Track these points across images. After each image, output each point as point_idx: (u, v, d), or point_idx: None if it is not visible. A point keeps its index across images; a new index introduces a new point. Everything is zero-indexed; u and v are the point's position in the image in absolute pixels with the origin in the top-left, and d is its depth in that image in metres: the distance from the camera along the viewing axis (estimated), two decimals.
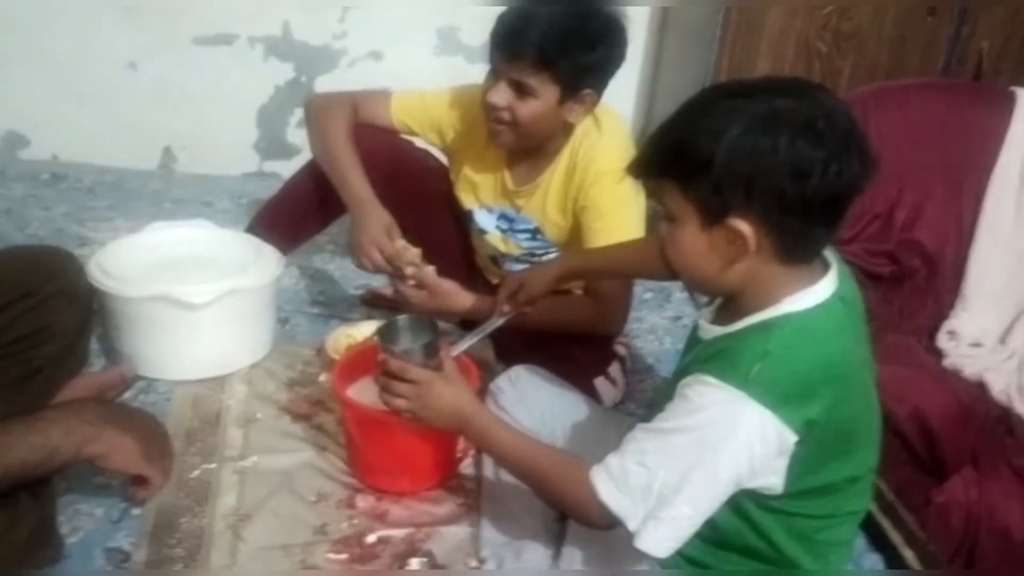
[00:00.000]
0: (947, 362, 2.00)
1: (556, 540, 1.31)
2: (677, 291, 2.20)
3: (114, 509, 1.36)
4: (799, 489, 1.06)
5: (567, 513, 1.25)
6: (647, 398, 1.78)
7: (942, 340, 2.06)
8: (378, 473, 1.44)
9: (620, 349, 1.78)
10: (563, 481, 1.14)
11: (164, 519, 1.35)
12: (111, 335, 1.68)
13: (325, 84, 2.78)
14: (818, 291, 1.05)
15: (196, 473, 1.45)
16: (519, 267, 1.79)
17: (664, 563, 1.11)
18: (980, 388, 1.94)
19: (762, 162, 0.96)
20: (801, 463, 1.03)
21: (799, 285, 1.05)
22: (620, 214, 1.62)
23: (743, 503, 1.08)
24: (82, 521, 1.34)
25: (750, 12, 2.39)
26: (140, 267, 1.67)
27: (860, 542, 1.44)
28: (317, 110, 1.85)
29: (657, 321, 2.11)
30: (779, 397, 0.99)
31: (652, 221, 1.50)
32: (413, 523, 1.38)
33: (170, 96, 2.76)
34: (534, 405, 1.45)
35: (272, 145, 2.89)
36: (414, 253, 1.65)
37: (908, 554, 1.46)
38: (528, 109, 1.59)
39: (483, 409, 1.30)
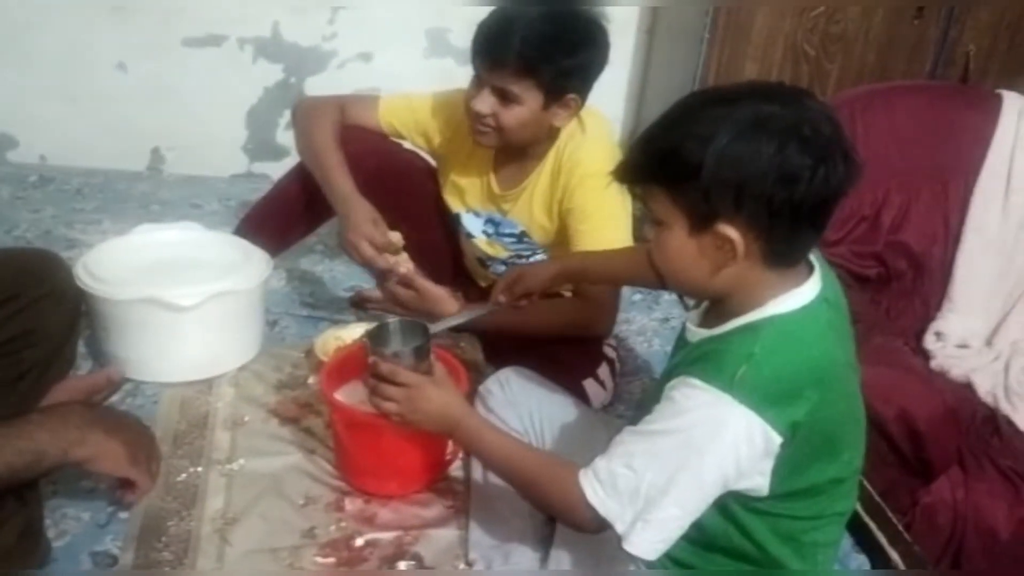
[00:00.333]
0: (934, 363, 2.01)
1: (544, 543, 1.31)
2: (666, 293, 2.20)
3: (101, 513, 1.35)
4: (785, 490, 1.06)
5: (556, 516, 1.25)
6: (636, 400, 1.78)
7: (929, 341, 2.07)
8: (367, 476, 1.44)
9: (609, 351, 1.78)
10: (551, 484, 1.14)
11: (151, 523, 1.34)
12: (99, 337, 1.67)
13: (314, 85, 2.78)
14: (803, 293, 1.06)
15: (183, 476, 1.44)
16: (506, 270, 1.79)
17: (652, 564, 1.11)
18: (967, 389, 1.95)
19: (752, 168, 0.97)
20: (787, 464, 1.04)
21: (784, 288, 1.06)
22: (606, 216, 1.62)
23: (729, 505, 1.08)
24: (69, 525, 1.33)
25: (738, 14, 2.40)
26: (128, 269, 1.66)
27: (846, 543, 1.44)
28: (304, 112, 1.85)
29: (646, 323, 2.11)
30: (764, 399, 1.00)
31: (638, 223, 1.50)
32: (401, 526, 1.38)
33: (159, 97, 2.75)
34: (523, 407, 1.45)
35: (261, 146, 2.89)
36: (398, 237, 1.66)
37: (894, 554, 1.46)
38: (512, 116, 1.59)
39: (472, 413, 1.30)
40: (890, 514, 1.54)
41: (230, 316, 1.68)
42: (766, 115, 0.98)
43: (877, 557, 1.47)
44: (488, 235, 1.82)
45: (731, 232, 1.00)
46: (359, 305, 1.93)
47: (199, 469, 1.46)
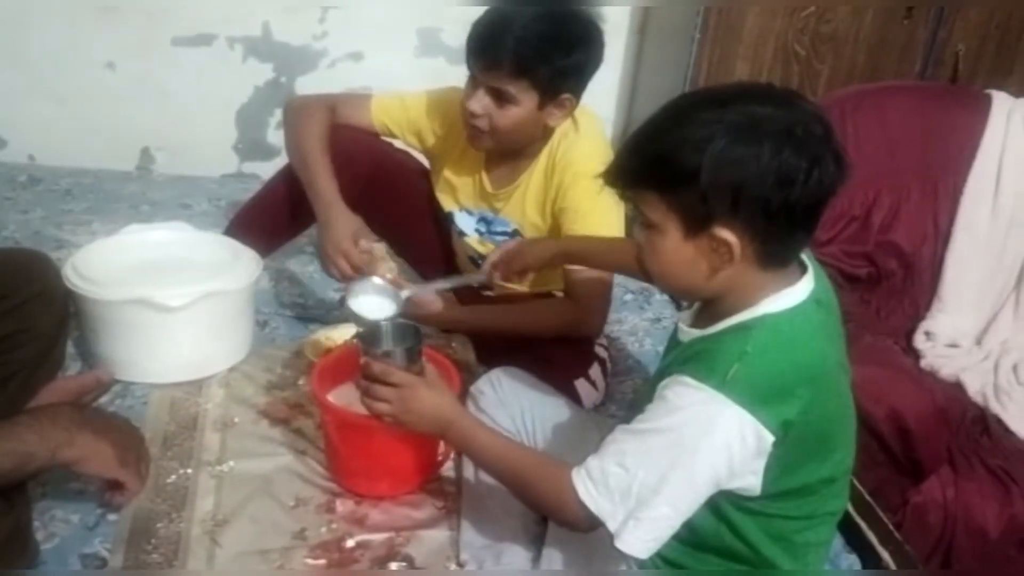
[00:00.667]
0: (924, 363, 2.02)
1: (536, 543, 1.31)
2: (657, 293, 2.21)
3: (90, 515, 1.34)
4: (777, 490, 1.07)
5: (548, 515, 1.25)
6: (628, 400, 1.78)
7: (919, 341, 2.08)
8: (358, 477, 1.43)
9: (601, 351, 1.78)
10: (544, 483, 1.14)
11: (141, 525, 1.33)
12: (88, 338, 1.67)
13: (305, 85, 2.77)
14: (795, 293, 1.06)
15: (173, 478, 1.43)
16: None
17: (643, 564, 1.11)
18: (957, 388, 1.96)
19: (749, 171, 0.97)
20: (778, 464, 1.04)
21: (777, 287, 1.06)
22: (599, 216, 1.62)
23: (721, 504, 1.09)
24: (58, 527, 1.32)
25: (729, 14, 2.40)
26: (117, 270, 1.65)
27: (837, 542, 1.44)
28: (295, 112, 1.84)
29: (637, 323, 2.11)
30: (756, 398, 1.00)
31: (630, 223, 1.50)
32: (392, 527, 1.38)
33: (149, 97, 2.74)
34: (515, 408, 1.45)
35: (251, 146, 2.88)
36: (380, 248, 1.64)
37: (885, 554, 1.47)
38: (507, 116, 1.59)
39: (465, 413, 1.30)
40: (881, 513, 1.54)
41: (220, 317, 1.68)
42: (760, 117, 0.98)
43: (868, 557, 1.48)
44: (480, 233, 1.82)
45: (727, 235, 1.01)
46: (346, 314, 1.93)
47: (189, 471, 1.45)
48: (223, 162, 2.87)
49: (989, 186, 2.09)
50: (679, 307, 2.05)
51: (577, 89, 1.62)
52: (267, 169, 2.48)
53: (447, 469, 1.49)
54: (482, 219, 1.81)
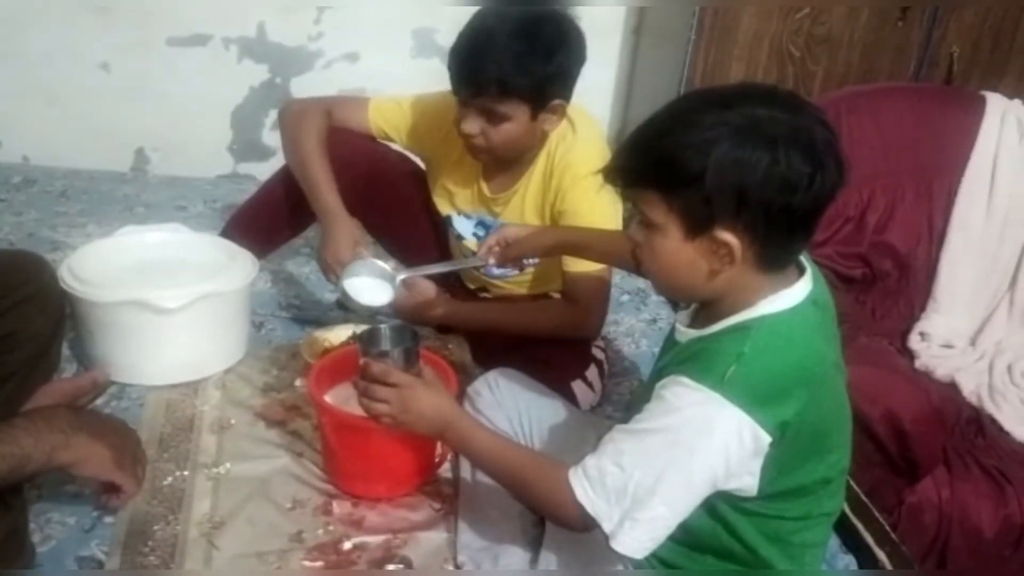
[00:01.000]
0: (919, 363, 2.03)
1: (534, 544, 1.31)
2: (653, 294, 2.21)
3: (86, 517, 1.34)
4: (773, 491, 1.07)
5: (545, 515, 1.25)
6: (624, 401, 1.78)
7: (914, 341, 2.09)
8: (355, 479, 1.43)
9: (598, 353, 1.78)
10: (541, 483, 1.14)
11: (137, 527, 1.33)
12: (83, 340, 1.66)
13: (300, 86, 2.77)
14: (792, 294, 1.07)
15: (169, 480, 1.43)
16: (497, 272, 1.79)
17: (640, 565, 1.11)
18: (951, 389, 1.97)
19: (754, 175, 0.97)
20: (775, 464, 1.04)
21: (774, 288, 1.06)
22: (598, 218, 1.62)
23: (718, 505, 1.09)
24: (54, 529, 1.31)
25: (724, 16, 2.41)
26: (113, 271, 1.65)
27: (833, 543, 1.45)
28: (291, 117, 1.83)
29: (634, 324, 2.11)
30: (754, 398, 1.00)
31: (629, 222, 1.51)
32: (390, 529, 1.37)
33: (143, 97, 2.73)
34: (511, 409, 1.45)
35: (246, 147, 2.87)
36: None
37: (881, 554, 1.47)
38: (502, 132, 1.59)
39: (463, 414, 1.30)
40: (877, 514, 1.54)
41: (216, 318, 1.67)
42: (766, 120, 0.98)
43: (864, 557, 1.48)
44: (479, 238, 1.81)
45: (729, 237, 1.01)
46: (345, 307, 1.93)
47: (185, 473, 1.45)
48: (218, 163, 2.87)
49: (983, 187, 2.10)
50: (676, 308, 2.06)
51: (566, 91, 1.62)
52: (262, 170, 2.48)
53: (444, 471, 1.49)
54: (480, 223, 1.81)
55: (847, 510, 1.48)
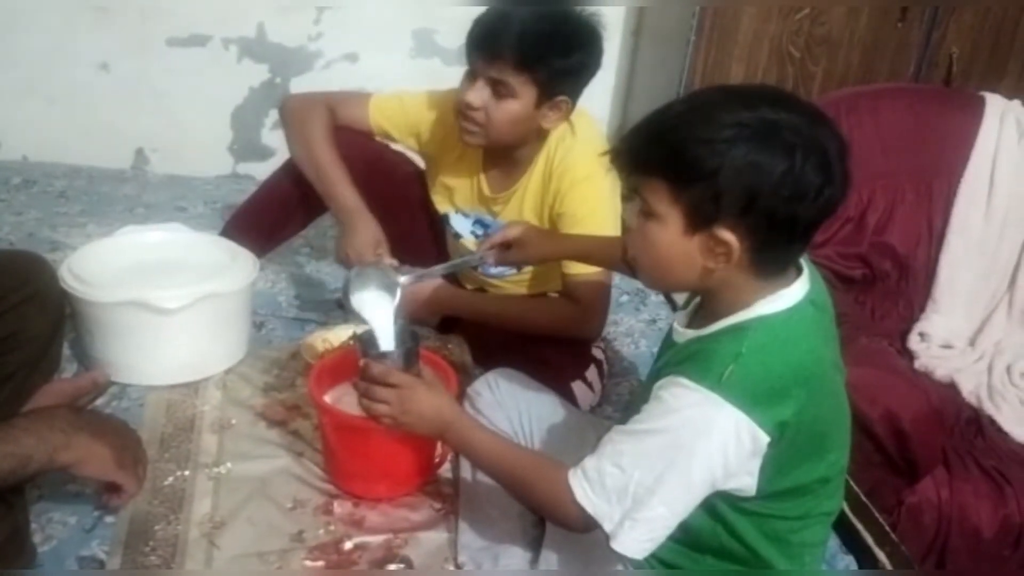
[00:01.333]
0: (918, 364, 2.03)
1: (534, 544, 1.31)
2: (653, 294, 2.21)
3: (87, 517, 1.34)
4: (772, 490, 1.07)
5: (545, 516, 1.25)
6: (624, 401, 1.78)
7: (913, 342, 2.09)
8: (355, 479, 1.43)
9: (597, 353, 1.78)
10: (541, 483, 1.14)
11: (138, 527, 1.33)
12: (84, 340, 1.66)
13: (300, 86, 2.77)
14: (790, 295, 1.07)
15: (170, 480, 1.43)
16: (495, 271, 1.79)
17: (640, 565, 1.12)
18: (951, 389, 1.97)
19: (767, 179, 0.97)
20: (774, 464, 1.04)
21: (772, 289, 1.06)
22: (597, 220, 1.63)
23: (717, 505, 1.09)
24: (55, 529, 1.31)
25: (724, 16, 2.41)
26: (113, 272, 1.65)
27: (833, 543, 1.45)
28: (294, 113, 1.83)
29: (633, 324, 2.11)
30: (752, 399, 1.00)
31: (626, 212, 1.50)
32: (390, 529, 1.38)
33: (143, 97, 2.74)
34: (511, 409, 1.45)
35: (246, 147, 2.87)
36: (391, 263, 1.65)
37: (881, 555, 1.47)
38: (504, 110, 1.59)
39: (463, 414, 1.30)
40: (876, 514, 1.55)
41: (217, 318, 1.67)
42: (784, 126, 0.98)
43: (864, 558, 1.48)
44: (477, 236, 1.82)
45: (729, 236, 1.01)
46: (346, 306, 1.93)
47: (186, 473, 1.45)
48: (218, 163, 2.87)
49: (983, 188, 2.10)
50: (674, 308, 2.06)
51: (574, 92, 1.63)
52: (262, 170, 2.48)
53: (445, 471, 1.49)
54: (478, 222, 1.81)
55: (847, 510, 1.48)
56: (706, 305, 1.12)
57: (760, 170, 0.97)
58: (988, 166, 2.11)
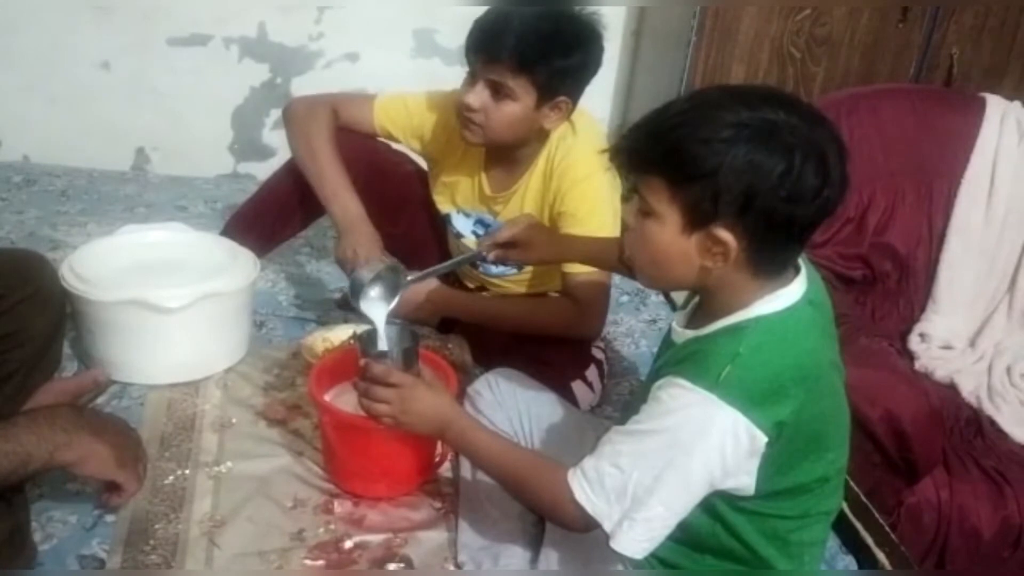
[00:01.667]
0: (918, 364, 2.03)
1: (534, 544, 1.31)
2: (653, 295, 2.21)
3: (88, 516, 1.34)
4: (771, 490, 1.07)
5: (545, 516, 1.25)
6: (623, 401, 1.79)
7: (913, 342, 2.09)
8: (355, 478, 1.43)
9: (597, 353, 1.78)
10: (541, 483, 1.15)
11: (138, 526, 1.33)
12: (84, 339, 1.66)
13: (301, 85, 2.77)
14: (788, 294, 1.07)
15: (170, 479, 1.43)
16: (495, 270, 1.80)
17: (639, 564, 1.12)
18: (951, 390, 1.98)
19: (767, 180, 0.98)
20: (772, 464, 1.04)
21: (770, 289, 1.06)
22: (597, 220, 1.63)
23: (716, 504, 1.09)
24: (55, 528, 1.32)
25: (725, 17, 2.41)
26: (114, 271, 1.65)
27: (833, 543, 1.45)
28: (298, 116, 1.83)
29: (633, 324, 2.11)
30: (750, 399, 1.00)
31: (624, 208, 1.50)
32: (391, 528, 1.38)
33: (144, 97, 2.74)
34: (511, 409, 1.45)
35: (247, 147, 2.87)
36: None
37: (881, 555, 1.47)
38: (503, 112, 1.59)
39: (463, 414, 1.30)
40: (876, 515, 1.55)
41: (217, 318, 1.67)
42: (785, 127, 0.98)
43: (864, 558, 1.48)
44: (478, 236, 1.82)
45: (726, 236, 1.01)
46: (346, 306, 1.93)
47: (186, 471, 1.45)
48: (218, 163, 2.87)
49: (983, 189, 2.11)
50: (673, 308, 2.06)
51: (574, 93, 1.63)
52: (263, 170, 2.48)
53: (445, 470, 1.50)
54: (479, 221, 1.81)
55: (847, 511, 1.48)
56: (704, 305, 1.12)
57: (759, 170, 0.98)
58: (988, 167, 2.11)
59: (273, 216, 1.93)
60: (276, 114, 2.63)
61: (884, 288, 2.14)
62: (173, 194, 2.58)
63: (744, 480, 1.05)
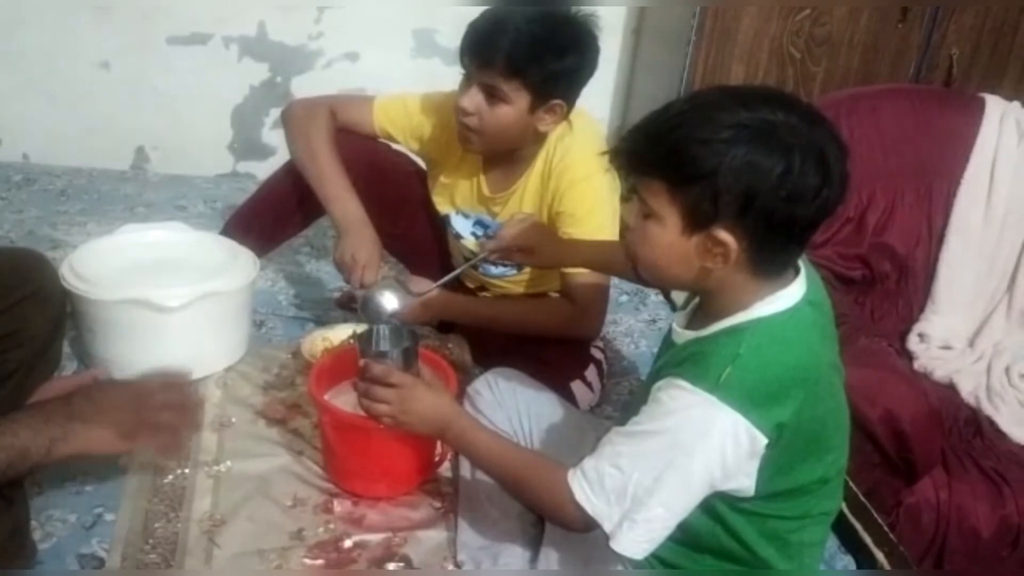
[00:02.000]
0: (917, 364, 2.03)
1: (533, 544, 1.32)
2: (653, 294, 2.21)
3: (87, 514, 1.34)
4: (771, 491, 1.07)
5: (544, 516, 1.26)
6: (623, 401, 1.79)
7: (912, 342, 2.09)
8: (355, 478, 1.44)
9: (597, 353, 1.78)
10: (540, 483, 1.15)
11: (138, 525, 1.33)
12: (84, 338, 1.66)
13: (301, 85, 2.77)
14: (788, 296, 1.07)
15: (170, 478, 1.43)
16: (495, 271, 1.80)
17: (639, 565, 1.12)
18: (950, 390, 1.98)
19: (766, 181, 0.98)
20: (772, 465, 1.05)
21: (770, 290, 1.06)
22: (596, 220, 1.63)
23: (716, 505, 1.09)
24: (54, 527, 1.32)
25: (724, 17, 2.41)
26: (114, 270, 1.65)
27: (832, 543, 1.45)
28: (297, 119, 1.83)
29: (633, 324, 2.12)
30: (749, 400, 1.01)
31: (624, 210, 1.50)
32: (390, 527, 1.38)
33: (143, 96, 2.74)
34: (511, 409, 1.45)
35: (246, 146, 2.87)
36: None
37: (880, 555, 1.48)
38: (498, 116, 1.59)
39: (463, 414, 1.30)
40: (875, 515, 1.55)
41: (217, 317, 1.68)
42: (784, 127, 0.98)
43: (863, 558, 1.49)
44: (477, 236, 1.82)
45: (727, 237, 1.01)
46: (346, 306, 1.93)
47: (186, 471, 1.45)
48: (218, 162, 2.87)
49: (982, 189, 2.11)
50: (673, 308, 2.06)
51: (569, 96, 1.62)
52: (262, 169, 2.48)
53: (445, 470, 1.50)
54: (479, 222, 1.81)
55: (846, 511, 1.48)
56: (705, 306, 1.12)
57: (758, 171, 0.98)
58: (988, 167, 2.11)
59: (273, 216, 1.93)
60: (276, 113, 2.63)
61: (883, 288, 2.14)
62: (173, 193, 2.58)
63: (744, 481, 1.05)
